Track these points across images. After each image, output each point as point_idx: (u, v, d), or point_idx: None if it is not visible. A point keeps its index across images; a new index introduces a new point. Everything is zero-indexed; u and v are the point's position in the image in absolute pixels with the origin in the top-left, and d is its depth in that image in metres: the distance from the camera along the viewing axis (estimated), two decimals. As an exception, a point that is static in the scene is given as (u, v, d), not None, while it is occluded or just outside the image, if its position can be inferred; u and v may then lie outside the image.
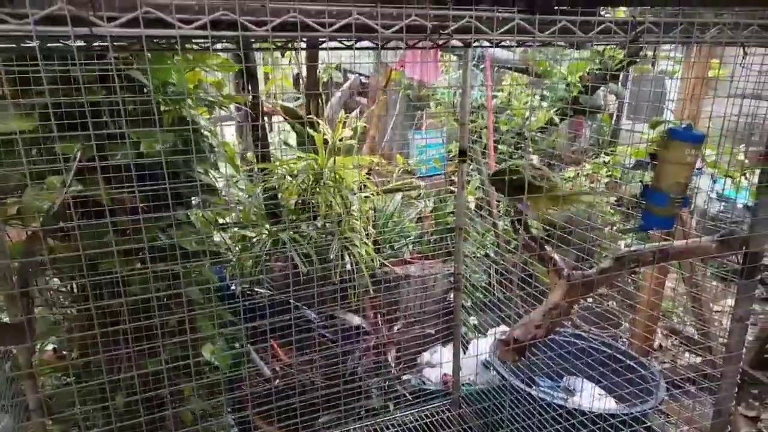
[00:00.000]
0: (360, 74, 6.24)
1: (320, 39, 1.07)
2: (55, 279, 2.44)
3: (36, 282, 2.07)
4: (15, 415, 2.28)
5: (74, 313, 2.39)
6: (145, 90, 2.35)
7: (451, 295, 3.69)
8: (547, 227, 2.43)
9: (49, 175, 2.13)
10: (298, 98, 5.47)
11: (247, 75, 3.42)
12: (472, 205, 3.95)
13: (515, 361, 1.47)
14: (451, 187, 4.06)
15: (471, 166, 4.10)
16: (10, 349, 2.35)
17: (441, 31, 1.10)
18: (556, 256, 1.57)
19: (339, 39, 1.14)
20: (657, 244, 1.51)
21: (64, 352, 2.57)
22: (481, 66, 4.22)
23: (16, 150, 2.07)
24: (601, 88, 4.83)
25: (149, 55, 2.27)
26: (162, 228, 2.40)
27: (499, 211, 3.92)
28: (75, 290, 2.43)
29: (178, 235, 2.43)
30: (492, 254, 3.76)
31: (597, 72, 4.08)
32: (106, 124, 2.25)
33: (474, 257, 3.65)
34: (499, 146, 4.36)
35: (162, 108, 2.46)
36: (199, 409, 2.44)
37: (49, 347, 2.61)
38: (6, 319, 1.61)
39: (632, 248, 1.53)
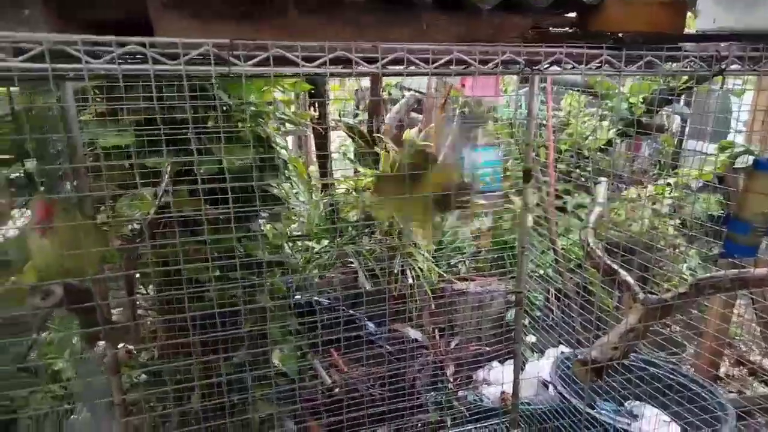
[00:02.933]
0: (416, 91, 6.35)
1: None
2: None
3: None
4: (95, 412, 2.43)
5: (155, 316, 2.55)
6: (225, 108, 2.51)
7: (509, 313, 3.70)
8: (613, 249, 2.43)
9: (141, 187, 2.30)
10: (357, 114, 5.63)
11: (315, 94, 3.58)
12: (530, 223, 3.95)
13: (593, 382, 1.49)
14: (510, 205, 4.09)
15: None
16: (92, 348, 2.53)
17: (533, 67, 1.17)
18: (631, 280, 1.59)
19: (439, 74, 1.22)
20: (736, 271, 1.51)
21: (134, 352, 2.73)
22: (542, 85, 4.24)
23: (112, 164, 2.25)
24: (665, 108, 4.75)
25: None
26: (238, 239, 2.54)
27: (557, 230, 3.91)
28: (155, 293, 2.59)
29: (253, 246, 2.57)
30: (550, 273, 3.76)
31: (662, 92, 4.04)
32: (192, 141, 2.41)
33: (532, 275, 3.65)
34: (558, 165, 4.35)
35: (240, 125, 2.62)
36: (269, 414, 2.54)
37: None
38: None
39: (711, 274, 1.54)
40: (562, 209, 4.03)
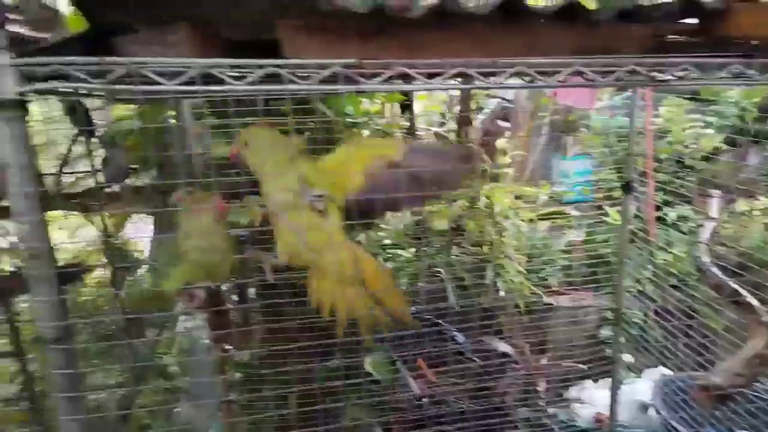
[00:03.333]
0: (502, 98, 6.24)
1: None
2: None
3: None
4: (199, 407, 2.57)
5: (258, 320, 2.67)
6: (324, 119, 2.60)
7: (603, 330, 3.56)
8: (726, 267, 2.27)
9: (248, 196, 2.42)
10: (443, 123, 5.62)
11: (406, 104, 3.62)
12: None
13: (714, 409, 1.41)
14: (605, 218, 3.93)
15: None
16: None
17: (655, 78, 1.13)
18: (755, 302, 1.48)
19: (558, 87, 1.21)
20: None
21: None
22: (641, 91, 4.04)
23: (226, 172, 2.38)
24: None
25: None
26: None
27: (657, 243, 3.71)
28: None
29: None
30: (649, 289, 3.57)
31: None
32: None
33: (629, 291, 3.48)
34: (657, 174, 4.13)
35: (335, 137, 2.70)
36: (361, 420, 2.59)
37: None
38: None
39: None
40: (661, 220, 3.82)
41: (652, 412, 2.73)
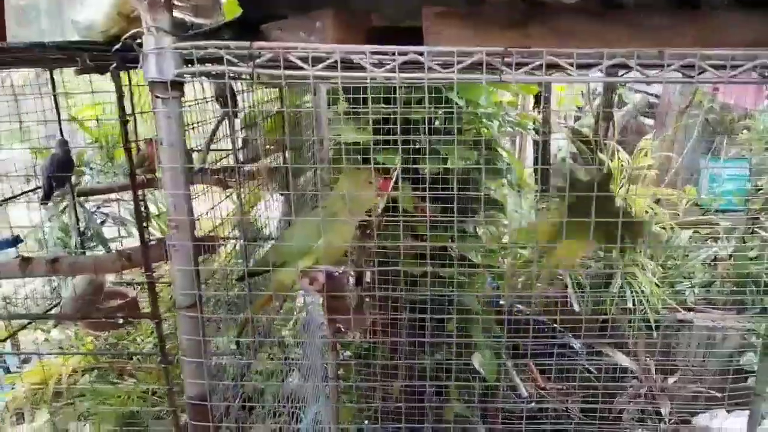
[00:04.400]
0: (648, 93, 5.75)
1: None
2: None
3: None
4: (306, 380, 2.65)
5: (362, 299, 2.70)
6: (454, 109, 2.53)
7: (744, 357, 3.19)
8: None
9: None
10: (579, 117, 5.30)
11: (540, 96, 3.46)
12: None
13: None
14: (761, 232, 3.49)
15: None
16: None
17: None
18: None
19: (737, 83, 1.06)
20: None
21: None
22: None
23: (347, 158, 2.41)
24: None
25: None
26: (451, 237, 2.56)
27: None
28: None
29: (466, 247, 2.58)
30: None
31: None
32: (419, 141, 2.48)
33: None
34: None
35: (465, 127, 2.62)
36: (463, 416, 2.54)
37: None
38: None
39: None
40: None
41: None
